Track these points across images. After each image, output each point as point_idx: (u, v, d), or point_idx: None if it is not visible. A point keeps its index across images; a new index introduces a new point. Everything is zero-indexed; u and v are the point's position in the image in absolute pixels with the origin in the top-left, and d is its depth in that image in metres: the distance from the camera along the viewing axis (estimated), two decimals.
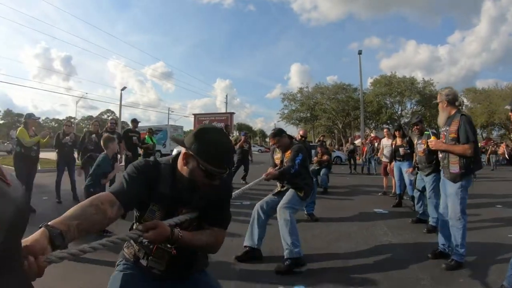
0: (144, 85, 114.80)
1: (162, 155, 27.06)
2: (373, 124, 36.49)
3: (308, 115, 36.89)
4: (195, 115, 37.25)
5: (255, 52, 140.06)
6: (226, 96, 47.39)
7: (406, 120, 32.97)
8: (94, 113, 76.58)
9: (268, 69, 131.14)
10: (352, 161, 15.10)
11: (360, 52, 27.65)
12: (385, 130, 8.50)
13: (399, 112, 34.63)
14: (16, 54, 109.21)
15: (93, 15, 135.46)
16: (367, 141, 15.83)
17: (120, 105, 32.44)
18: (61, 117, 74.88)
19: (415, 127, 5.25)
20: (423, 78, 34.12)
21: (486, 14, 73.46)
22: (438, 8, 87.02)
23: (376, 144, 13.96)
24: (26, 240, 0.85)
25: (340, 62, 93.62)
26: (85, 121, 69.15)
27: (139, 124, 8.60)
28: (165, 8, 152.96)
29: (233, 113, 39.99)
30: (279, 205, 3.38)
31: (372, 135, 22.28)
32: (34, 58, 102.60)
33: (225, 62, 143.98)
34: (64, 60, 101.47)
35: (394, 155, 6.63)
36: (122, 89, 32.85)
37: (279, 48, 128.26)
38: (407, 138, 6.49)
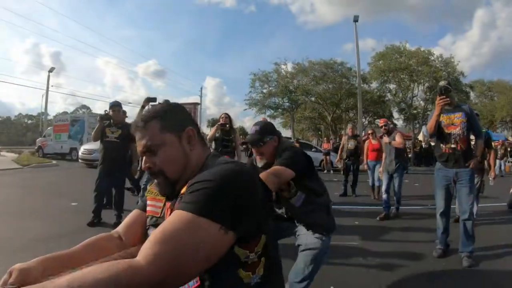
0: (134, 82, 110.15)
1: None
2: (368, 118, 28.75)
3: (287, 102, 28.69)
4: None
5: (247, 51, 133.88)
6: (201, 88, 40.76)
7: (414, 112, 25.19)
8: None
9: (259, 68, 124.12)
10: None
11: (356, 19, 21.65)
12: None
13: (409, 101, 25.81)
14: (3, 49, 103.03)
15: (82, 9, 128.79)
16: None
17: (47, 90, 25.81)
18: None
19: None
20: (441, 55, 25.02)
21: (478, 21, 77.20)
22: (433, 14, 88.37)
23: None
24: None
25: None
26: (59, 117, 62.71)
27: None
28: (156, 3, 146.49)
29: (198, 103, 33.10)
30: None
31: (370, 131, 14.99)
32: (24, 54, 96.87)
33: (215, 60, 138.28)
34: (53, 56, 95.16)
35: None
36: (50, 71, 26.31)
37: (271, 48, 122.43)
38: None
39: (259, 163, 2.34)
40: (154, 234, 0.78)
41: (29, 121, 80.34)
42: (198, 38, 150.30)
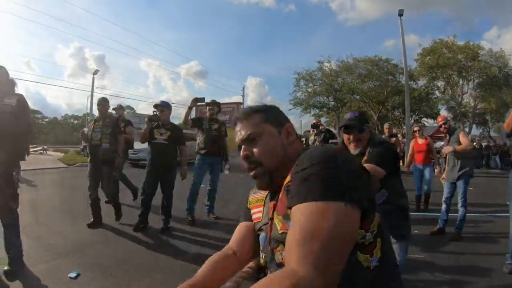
0: (176, 83, 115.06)
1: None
2: (414, 116, 27.15)
3: (332, 101, 27.95)
4: (196, 105, 30.35)
5: (287, 50, 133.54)
6: (243, 88, 40.42)
7: (463, 110, 23.77)
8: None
9: (300, 67, 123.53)
10: None
11: (401, 13, 20.30)
12: None
13: (459, 99, 24.41)
14: (50, 54, 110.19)
15: (125, 13, 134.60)
16: None
17: (92, 92, 26.75)
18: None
19: None
20: (491, 49, 23.43)
21: None
22: (475, 8, 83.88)
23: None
24: None
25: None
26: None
27: None
28: (196, 6, 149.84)
29: (240, 103, 33.31)
30: None
31: (415, 128, 14.29)
32: (69, 57, 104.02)
33: (256, 60, 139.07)
34: (97, 59, 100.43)
35: None
36: (94, 73, 27.40)
37: (312, 46, 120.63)
38: None
39: (354, 151, 2.29)
40: (291, 239, 0.77)
41: (75, 122, 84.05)
42: (238, 38, 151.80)
